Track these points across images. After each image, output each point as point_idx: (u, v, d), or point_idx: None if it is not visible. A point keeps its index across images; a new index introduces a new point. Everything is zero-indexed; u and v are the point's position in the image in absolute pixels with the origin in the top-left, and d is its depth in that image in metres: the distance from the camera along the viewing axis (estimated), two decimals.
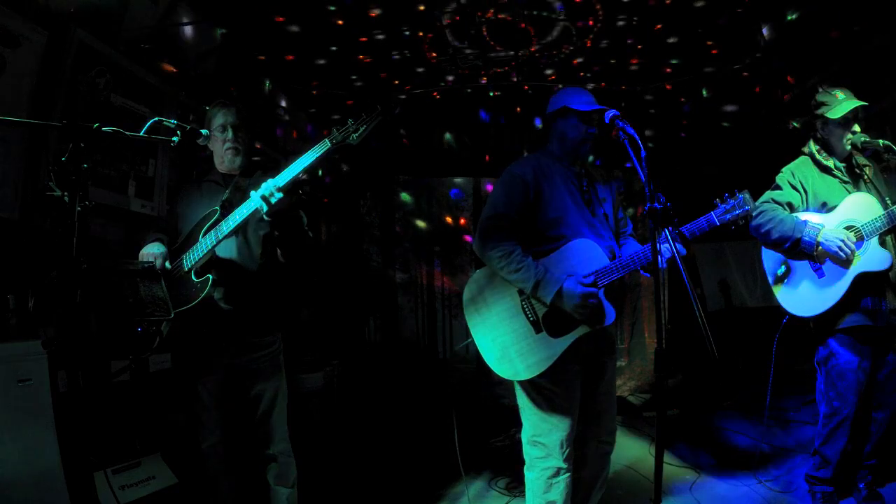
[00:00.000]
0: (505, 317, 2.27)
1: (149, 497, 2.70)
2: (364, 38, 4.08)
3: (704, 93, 4.95)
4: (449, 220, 5.93)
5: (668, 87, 4.91)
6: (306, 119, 5.35)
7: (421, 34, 4.05)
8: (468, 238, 5.86)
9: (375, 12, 3.72)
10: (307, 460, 2.66)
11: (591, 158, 5.13)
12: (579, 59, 4.53)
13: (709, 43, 4.20)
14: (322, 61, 4.39)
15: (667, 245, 1.85)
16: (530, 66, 4.61)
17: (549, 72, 4.73)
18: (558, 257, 2.25)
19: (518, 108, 5.38)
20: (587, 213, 2.33)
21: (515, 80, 4.83)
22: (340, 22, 3.82)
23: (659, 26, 3.99)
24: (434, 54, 4.37)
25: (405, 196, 5.92)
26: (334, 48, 4.21)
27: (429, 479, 3.42)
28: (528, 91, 5.04)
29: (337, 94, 5.00)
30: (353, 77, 4.73)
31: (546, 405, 2.26)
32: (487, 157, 5.75)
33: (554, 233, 2.27)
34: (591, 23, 3.95)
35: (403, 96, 5.04)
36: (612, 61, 4.51)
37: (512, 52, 4.31)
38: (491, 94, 5.18)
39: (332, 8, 3.65)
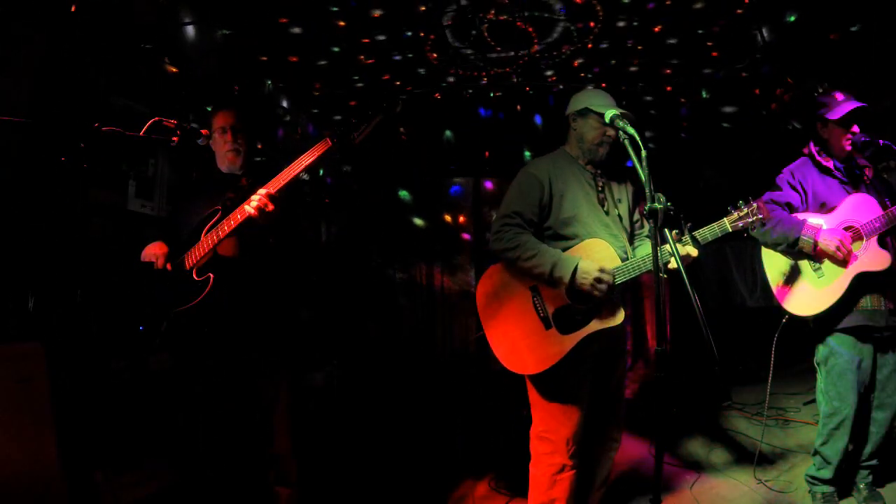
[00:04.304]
0: (516, 312, 2.29)
1: (149, 497, 2.70)
2: (366, 40, 4.09)
3: (704, 94, 4.95)
4: (448, 218, 5.92)
5: (667, 88, 4.92)
6: (308, 119, 5.36)
7: (423, 34, 4.06)
8: (467, 237, 5.86)
9: (378, 13, 3.72)
10: (308, 460, 2.65)
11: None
12: (580, 60, 4.53)
13: (709, 44, 4.21)
14: (323, 62, 4.40)
15: (677, 246, 1.84)
16: (530, 66, 4.62)
17: (549, 73, 4.74)
18: (571, 256, 2.26)
19: (518, 108, 5.38)
20: (601, 213, 2.35)
21: (516, 80, 4.84)
22: (342, 23, 3.83)
23: (658, 28, 4.00)
24: (435, 55, 4.38)
25: (404, 194, 5.92)
26: (336, 49, 4.21)
27: (430, 480, 3.42)
28: (528, 92, 5.04)
29: (338, 94, 5.01)
30: (355, 77, 4.73)
31: (555, 401, 2.28)
32: (487, 156, 5.74)
33: (568, 232, 2.29)
34: (591, 24, 3.96)
35: (404, 96, 5.04)
36: (613, 62, 4.52)
37: (512, 53, 4.31)
38: (491, 94, 5.18)
39: (335, 9, 3.65)
